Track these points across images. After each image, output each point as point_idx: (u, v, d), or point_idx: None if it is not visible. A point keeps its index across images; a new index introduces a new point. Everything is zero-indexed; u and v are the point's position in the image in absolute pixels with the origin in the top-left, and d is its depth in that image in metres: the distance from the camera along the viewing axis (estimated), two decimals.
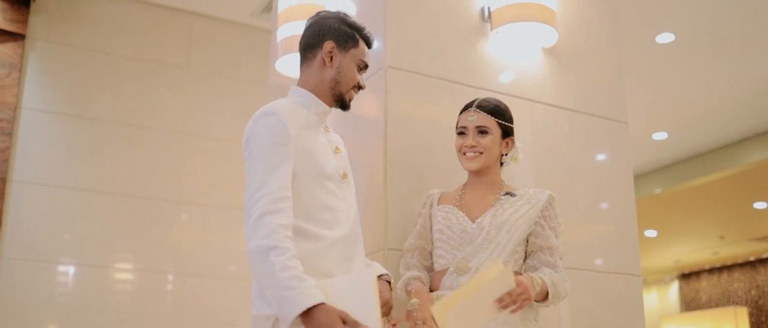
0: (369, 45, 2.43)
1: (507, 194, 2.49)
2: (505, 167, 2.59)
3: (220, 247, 5.36)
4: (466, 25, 3.10)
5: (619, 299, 3.15)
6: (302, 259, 2.05)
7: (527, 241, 2.44)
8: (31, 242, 4.86)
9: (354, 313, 1.97)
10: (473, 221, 2.43)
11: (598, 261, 3.16)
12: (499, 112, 2.51)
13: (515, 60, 3.18)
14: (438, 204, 2.54)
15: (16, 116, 4.99)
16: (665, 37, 6.13)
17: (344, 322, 1.96)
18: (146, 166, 5.33)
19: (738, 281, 12.00)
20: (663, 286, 13.27)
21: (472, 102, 2.53)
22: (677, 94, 7.27)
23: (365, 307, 1.99)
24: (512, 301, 2.14)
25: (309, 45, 2.36)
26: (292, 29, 3.32)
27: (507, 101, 3.09)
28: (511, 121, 2.55)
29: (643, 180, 9.34)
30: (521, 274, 2.33)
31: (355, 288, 2.03)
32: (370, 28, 2.72)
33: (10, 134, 4.91)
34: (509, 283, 2.12)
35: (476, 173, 2.52)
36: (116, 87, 5.37)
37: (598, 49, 3.44)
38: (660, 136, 8.26)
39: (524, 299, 2.18)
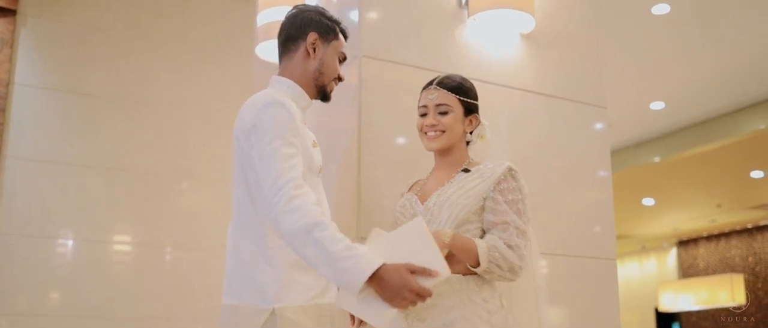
0: (346, 38, 2.48)
1: (463, 170, 2.38)
2: (474, 147, 2.50)
3: (217, 220, 5.39)
4: (442, 13, 3.09)
5: (594, 283, 3.20)
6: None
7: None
8: (27, 218, 4.91)
9: (417, 261, 1.98)
10: (423, 204, 2.35)
11: (574, 246, 3.19)
12: (461, 89, 2.42)
13: (493, 46, 3.18)
14: (406, 194, 2.50)
15: (8, 93, 5.01)
16: (661, 9, 6.15)
17: (413, 272, 1.97)
18: (142, 140, 5.35)
19: (735, 248, 12.07)
20: (662, 253, 13.34)
21: (433, 80, 2.44)
22: (674, 65, 7.29)
23: (425, 251, 2.00)
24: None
25: (290, 36, 2.38)
26: (273, 15, 3.33)
27: (485, 88, 3.11)
28: (475, 98, 2.45)
29: (641, 149, 9.36)
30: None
31: (408, 238, 2.04)
32: (344, 17, 2.73)
33: (3, 111, 4.94)
34: (421, 233, 2.03)
35: (440, 154, 2.44)
36: (110, 62, 5.37)
37: (577, 34, 3.44)
38: (657, 105, 8.28)
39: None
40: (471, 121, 2.44)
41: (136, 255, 5.23)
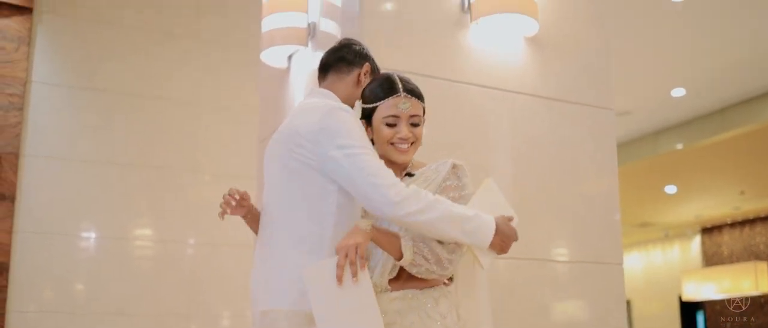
0: None
1: (406, 174, 2.32)
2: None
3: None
4: (445, 18, 3.08)
5: (600, 289, 3.18)
6: None
7: None
8: (46, 215, 4.95)
9: (501, 214, 2.29)
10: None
11: (580, 252, 3.18)
12: (422, 95, 2.33)
13: (496, 51, 3.16)
14: None
15: (26, 91, 5.05)
16: None
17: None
18: (158, 136, 5.38)
19: (760, 235, 11.93)
20: (685, 240, 13.23)
21: (397, 86, 2.29)
22: (694, 51, 7.23)
23: (502, 205, 2.33)
24: (349, 254, 2.04)
25: (345, 59, 2.44)
26: (277, 21, 3.33)
27: (488, 93, 3.11)
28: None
29: (662, 136, 9.28)
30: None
31: (487, 198, 2.30)
32: (346, 24, 2.73)
33: (21, 109, 4.99)
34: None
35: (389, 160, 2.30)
36: (126, 58, 5.40)
37: (582, 36, 3.40)
38: (678, 92, 8.20)
39: (354, 245, 2.05)
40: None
41: (156, 251, 5.27)
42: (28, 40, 5.10)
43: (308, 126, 2.22)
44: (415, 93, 2.31)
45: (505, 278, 3.04)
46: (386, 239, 2.17)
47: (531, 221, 3.10)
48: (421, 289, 2.24)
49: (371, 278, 2.17)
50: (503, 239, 2.25)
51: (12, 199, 4.84)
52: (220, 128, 5.56)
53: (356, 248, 2.05)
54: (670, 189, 10.89)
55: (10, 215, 4.82)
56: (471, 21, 3.11)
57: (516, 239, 2.28)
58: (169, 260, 5.27)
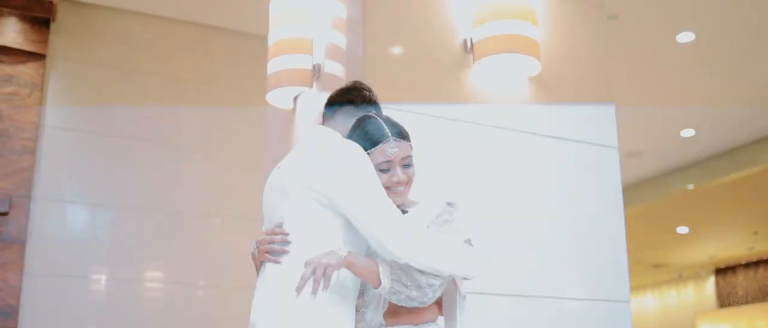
0: None
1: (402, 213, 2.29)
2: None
3: (245, 257, 5.43)
4: (448, 58, 3.12)
5: (608, 327, 3.17)
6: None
7: None
8: (56, 258, 4.98)
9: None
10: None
11: (586, 289, 3.17)
12: (408, 134, 2.34)
13: (499, 90, 3.19)
14: None
15: (38, 135, 5.12)
16: (686, 36, 6.14)
17: None
18: (169, 180, 5.42)
19: None
20: (699, 281, 13.12)
21: (385, 132, 2.29)
22: (702, 91, 7.24)
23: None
24: (315, 274, 2.03)
25: (353, 102, 2.42)
26: (282, 63, 3.38)
27: (492, 132, 3.13)
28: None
29: (673, 177, 9.26)
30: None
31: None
32: (351, 65, 2.77)
33: (33, 153, 5.05)
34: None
35: None
36: (137, 103, 5.46)
37: (586, 74, 3.43)
38: (687, 133, 8.20)
39: (324, 266, 2.05)
40: None
41: (166, 293, 5.28)
42: (41, 86, 5.18)
43: (319, 160, 2.21)
44: (402, 135, 2.30)
45: (512, 316, 3.03)
46: (364, 266, 2.14)
47: (537, 258, 3.11)
48: (415, 324, 2.23)
49: (365, 313, 2.19)
50: None
51: (23, 241, 4.87)
52: (231, 172, 5.60)
53: (325, 268, 2.05)
54: (682, 230, 10.83)
55: (21, 257, 4.85)
56: (474, 61, 3.15)
57: None
58: (179, 302, 5.27)
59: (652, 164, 9.08)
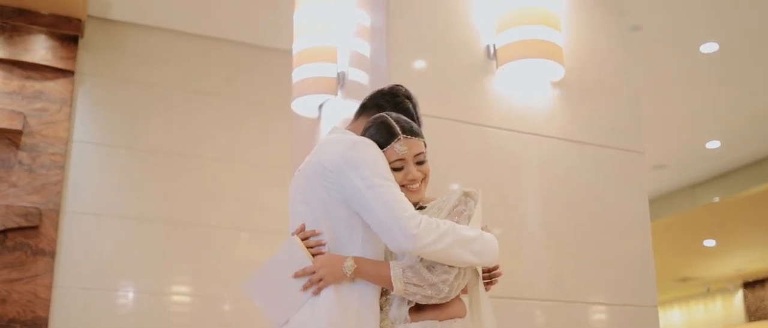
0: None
1: (418, 208, 2.28)
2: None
3: None
4: (471, 64, 3.14)
5: None
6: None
7: None
8: (85, 271, 5.04)
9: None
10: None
11: (613, 295, 3.16)
12: (420, 131, 2.33)
13: (522, 96, 3.20)
14: None
15: (67, 150, 5.20)
16: (709, 47, 6.13)
17: None
18: (196, 193, 5.49)
19: None
20: (727, 295, 12.96)
21: (395, 130, 2.28)
22: (726, 102, 7.21)
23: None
24: (309, 281, 2.15)
25: (381, 106, 2.43)
26: (306, 72, 3.42)
27: (516, 138, 3.14)
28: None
29: (699, 189, 9.19)
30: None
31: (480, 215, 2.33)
32: (375, 72, 2.79)
33: (62, 167, 5.13)
34: (300, 258, 2.19)
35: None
36: (164, 118, 5.55)
37: (610, 79, 3.44)
38: (713, 144, 8.15)
39: (318, 279, 2.15)
40: None
41: (193, 306, 5.32)
42: (70, 102, 5.26)
43: (332, 157, 2.24)
44: (413, 132, 2.30)
45: (539, 321, 3.03)
46: (374, 274, 2.18)
47: (563, 263, 3.11)
48: (441, 320, 2.22)
49: (389, 311, 2.22)
50: None
51: (52, 254, 4.94)
52: (257, 184, 5.65)
53: (318, 282, 2.16)
54: (709, 243, 10.73)
55: (51, 270, 4.92)
56: (497, 67, 3.16)
57: None
58: (206, 315, 5.31)
59: (678, 176, 9.02)
